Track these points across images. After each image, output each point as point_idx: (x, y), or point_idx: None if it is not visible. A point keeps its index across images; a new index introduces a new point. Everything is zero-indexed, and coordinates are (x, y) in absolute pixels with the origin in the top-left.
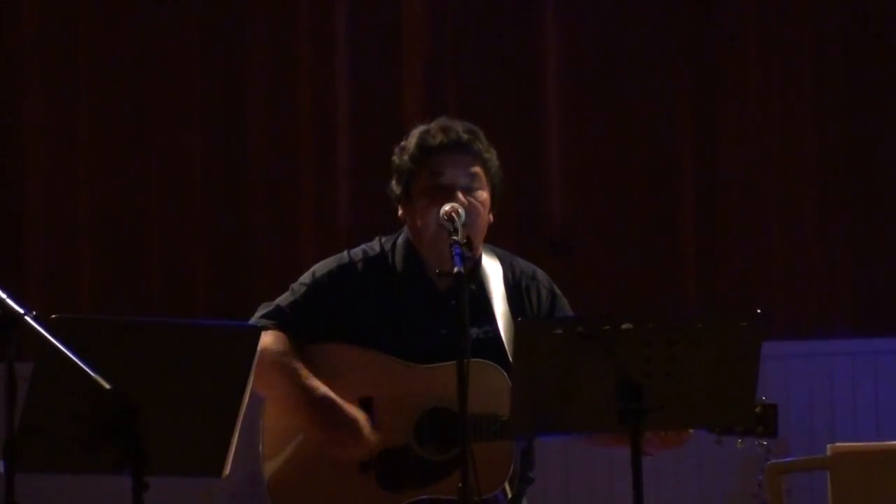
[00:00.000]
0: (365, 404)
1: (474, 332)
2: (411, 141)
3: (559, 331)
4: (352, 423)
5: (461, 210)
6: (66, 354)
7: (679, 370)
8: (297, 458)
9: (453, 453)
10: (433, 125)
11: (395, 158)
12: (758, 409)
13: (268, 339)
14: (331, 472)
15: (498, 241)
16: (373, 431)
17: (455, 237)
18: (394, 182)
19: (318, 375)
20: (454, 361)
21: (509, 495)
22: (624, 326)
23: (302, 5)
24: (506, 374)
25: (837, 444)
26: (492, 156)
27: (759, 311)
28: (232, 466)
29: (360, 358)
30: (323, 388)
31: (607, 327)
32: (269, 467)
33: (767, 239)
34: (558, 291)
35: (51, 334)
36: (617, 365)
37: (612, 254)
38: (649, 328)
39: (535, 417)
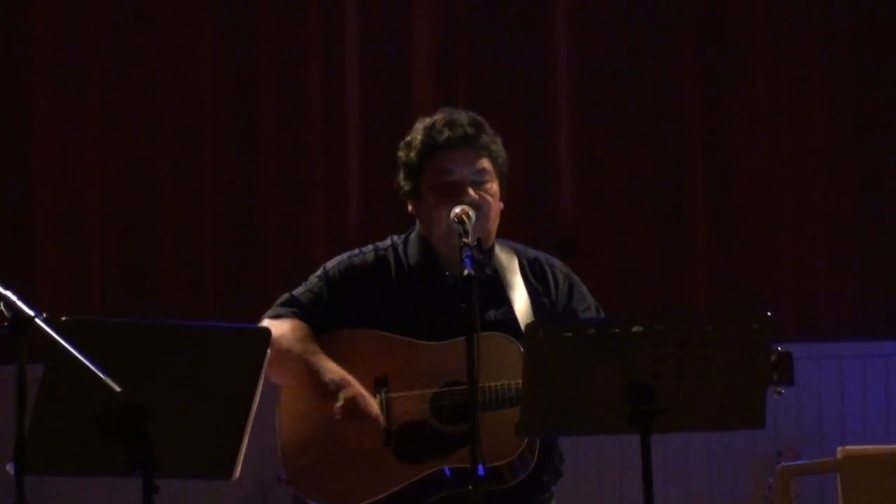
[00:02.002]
0: (381, 383)
1: (491, 313)
2: (416, 137)
3: (569, 333)
4: (365, 408)
5: (472, 212)
6: (76, 357)
7: (689, 372)
8: (315, 441)
9: (467, 425)
10: (438, 119)
11: (402, 154)
12: (773, 357)
13: (284, 326)
14: (349, 450)
15: (507, 239)
16: (380, 414)
17: (465, 240)
18: (401, 177)
19: (334, 359)
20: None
21: (531, 464)
22: (634, 329)
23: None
24: (516, 342)
25: (848, 447)
26: (497, 145)
27: (769, 312)
28: (241, 470)
29: (374, 340)
30: (336, 368)
31: (617, 329)
32: (289, 453)
33: (777, 240)
34: (577, 279)
35: (61, 336)
36: (627, 367)
37: (621, 253)
38: (659, 330)
39: (545, 418)
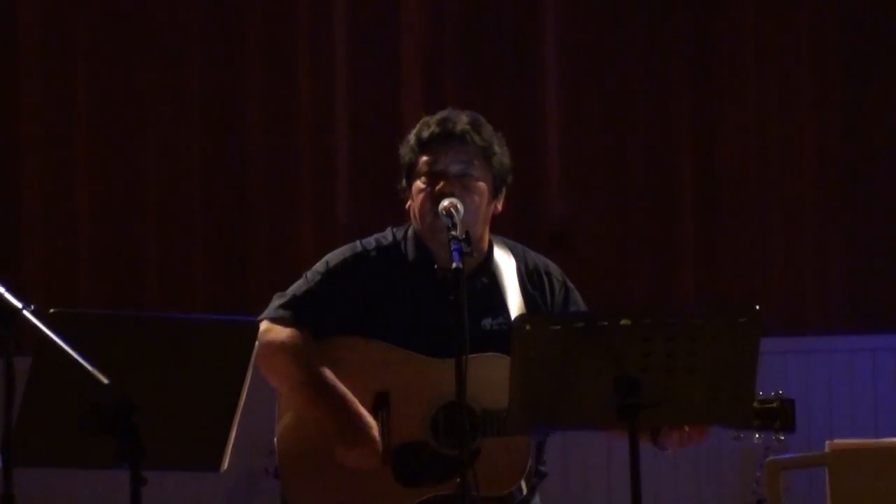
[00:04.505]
0: (381, 398)
1: (488, 322)
2: (412, 135)
3: (557, 327)
4: (365, 431)
5: (459, 206)
6: (64, 349)
7: (677, 366)
8: (311, 452)
9: (468, 449)
10: (435, 116)
11: (401, 152)
12: (774, 404)
13: (285, 333)
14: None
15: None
16: (378, 447)
17: (454, 232)
18: (402, 176)
19: (334, 369)
20: (471, 356)
21: (524, 492)
22: (622, 322)
23: (301, 2)
24: None
25: (836, 441)
26: (495, 148)
27: (757, 306)
28: (230, 461)
29: (375, 351)
30: (335, 391)
31: (605, 323)
32: (284, 459)
33: (765, 235)
34: (571, 285)
35: (49, 328)
36: (615, 361)
37: (610, 250)
38: (647, 324)
39: (533, 413)
